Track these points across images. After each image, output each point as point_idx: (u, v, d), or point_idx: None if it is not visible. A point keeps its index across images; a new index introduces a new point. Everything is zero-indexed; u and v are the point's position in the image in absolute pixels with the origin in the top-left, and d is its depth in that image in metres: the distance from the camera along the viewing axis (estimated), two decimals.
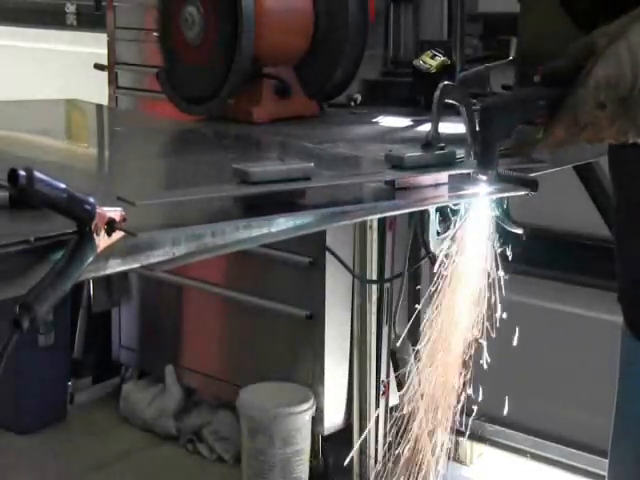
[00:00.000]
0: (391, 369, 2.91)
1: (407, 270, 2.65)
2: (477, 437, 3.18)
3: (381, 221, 2.97)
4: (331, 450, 3.08)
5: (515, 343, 1.68)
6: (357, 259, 2.96)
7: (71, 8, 4.01)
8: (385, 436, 3.12)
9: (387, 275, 3.00)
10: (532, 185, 1.42)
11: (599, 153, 1.87)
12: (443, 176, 1.55)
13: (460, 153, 1.63)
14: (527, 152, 1.43)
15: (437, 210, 2.22)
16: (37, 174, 1.01)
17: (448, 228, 2.23)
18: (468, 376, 1.67)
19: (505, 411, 3.06)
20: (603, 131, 1.15)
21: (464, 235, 1.54)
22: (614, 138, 1.15)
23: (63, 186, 1.04)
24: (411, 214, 2.64)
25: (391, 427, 1.70)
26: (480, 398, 1.75)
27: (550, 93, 1.18)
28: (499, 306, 1.53)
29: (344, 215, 1.37)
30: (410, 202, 1.51)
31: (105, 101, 3.45)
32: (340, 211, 1.37)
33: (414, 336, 3.15)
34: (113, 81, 3.52)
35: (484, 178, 1.36)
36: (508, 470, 3.15)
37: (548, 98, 1.18)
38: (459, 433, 3.18)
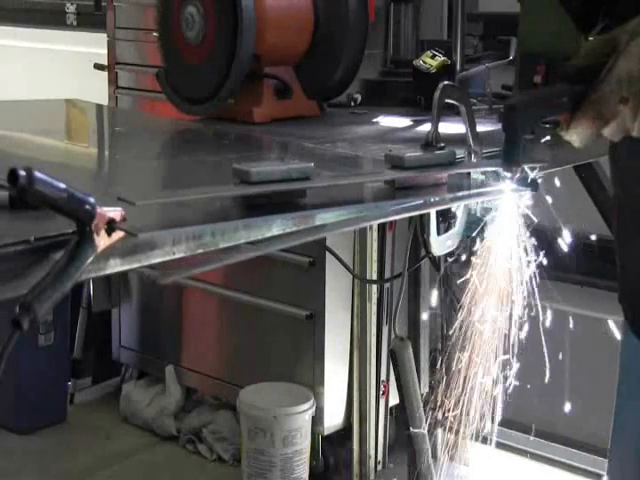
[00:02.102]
0: (391, 369, 2.91)
1: (407, 270, 2.65)
2: (477, 437, 3.18)
3: None
4: (331, 450, 3.08)
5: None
6: (357, 259, 2.96)
7: (71, 8, 4.00)
8: (385, 436, 3.12)
9: (387, 275, 2.99)
10: (532, 185, 1.42)
11: (599, 153, 1.87)
12: (443, 176, 1.55)
13: (460, 153, 1.63)
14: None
15: (437, 211, 2.21)
16: (37, 174, 1.01)
17: (448, 228, 2.22)
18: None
19: (505, 411, 3.06)
20: (627, 125, 1.16)
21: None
22: (638, 131, 1.16)
23: (63, 186, 1.04)
24: None
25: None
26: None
27: (573, 90, 1.20)
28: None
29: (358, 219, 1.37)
30: (416, 205, 1.51)
31: (105, 101, 3.45)
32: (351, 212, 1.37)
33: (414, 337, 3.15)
34: (113, 81, 3.52)
35: (508, 175, 1.38)
36: (508, 470, 3.15)
37: (571, 95, 1.20)
38: (459, 433, 3.20)
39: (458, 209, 2.27)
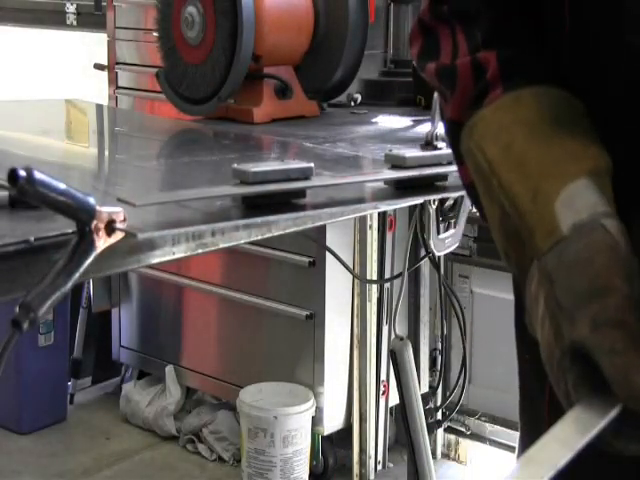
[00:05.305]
0: (391, 369, 2.91)
1: (407, 270, 2.65)
2: (477, 437, 3.18)
3: (381, 221, 2.97)
4: (331, 450, 3.08)
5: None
6: (357, 259, 2.95)
7: (71, 8, 4.00)
8: (385, 436, 3.12)
9: (387, 275, 2.99)
10: None
11: None
12: (443, 176, 1.55)
13: None
14: None
15: (437, 210, 2.22)
16: (37, 174, 1.01)
17: (448, 228, 2.22)
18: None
19: (505, 411, 3.06)
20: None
21: None
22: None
23: (63, 186, 1.04)
24: (411, 214, 2.65)
25: None
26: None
27: None
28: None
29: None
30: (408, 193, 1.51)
31: (105, 101, 3.45)
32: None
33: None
34: (113, 81, 3.52)
35: None
36: (507, 470, 3.14)
37: None
38: (459, 433, 3.20)
39: (458, 209, 2.27)
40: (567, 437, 0.68)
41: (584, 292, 0.71)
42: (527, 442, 1.08)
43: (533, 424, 1.03)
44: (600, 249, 0.72)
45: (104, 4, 3.58)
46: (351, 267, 2.87)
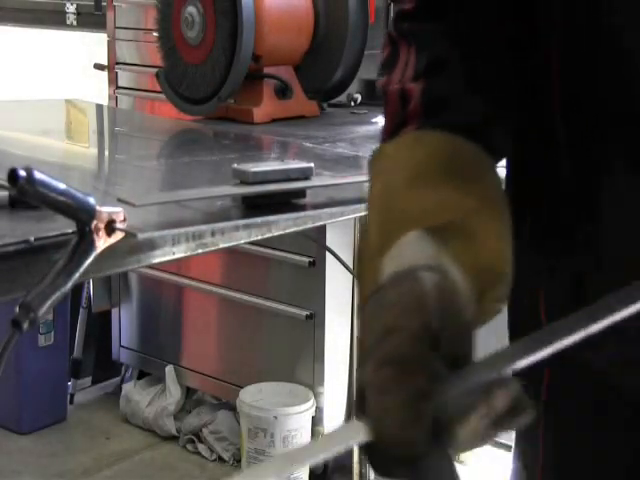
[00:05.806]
0: None
1: None
2: None
3: None
4: None
5: None
6: (357, 259, 2.96)
7: (71, 8, 4.00)
8: None
9: None
10: None
11: None
12: None
13: None
14: None
15: None
16: (37, 174, 1.01)
17: None
18: None
19: None
20: None
21: None
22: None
23: (63, 186, 1.05)
24: None
25: None
26: None
27: None
28: None
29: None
30: None
31: (105, 101, 3.45)
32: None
33: None
34: (113, 81, 3.52)
35: None
36: (508, 470, 3.14)
37: None
38: None
39: None
40: (298, 453, 0.67)
41: (378, 334, 0.70)
42: (522, 443, 1.08)
43: (528, 425, 1.04)
44: (405, 295, 0.71)
45: (104, 4, 3.58)
46: (351, 267, 2.87)
